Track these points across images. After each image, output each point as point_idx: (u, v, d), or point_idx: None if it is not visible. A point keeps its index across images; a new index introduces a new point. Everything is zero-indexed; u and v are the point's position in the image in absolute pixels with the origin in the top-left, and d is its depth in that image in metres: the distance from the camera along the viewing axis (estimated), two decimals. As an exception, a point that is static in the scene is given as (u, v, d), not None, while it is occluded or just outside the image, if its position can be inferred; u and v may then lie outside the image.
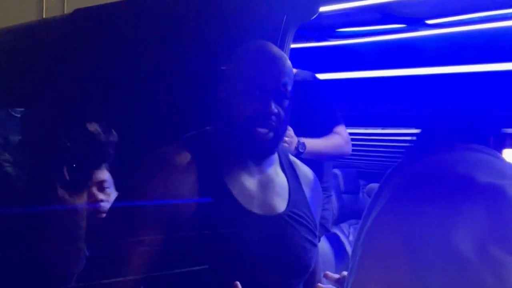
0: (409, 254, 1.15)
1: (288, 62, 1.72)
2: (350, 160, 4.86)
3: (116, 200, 1.89)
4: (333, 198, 4.35)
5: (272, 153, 1.75)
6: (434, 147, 1.36)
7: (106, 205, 2.12)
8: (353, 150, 4.25)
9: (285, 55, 1.76)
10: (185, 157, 1.64)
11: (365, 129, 4.42)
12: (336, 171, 4.54)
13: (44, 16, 5.08)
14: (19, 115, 3.58)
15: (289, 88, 1.67)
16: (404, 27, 2.98)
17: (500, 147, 1.44)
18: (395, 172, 1.43)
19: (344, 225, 4.47)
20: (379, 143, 4.33)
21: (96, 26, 3.21)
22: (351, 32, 3.09)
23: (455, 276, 1.07)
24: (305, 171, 1.91)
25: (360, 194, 4.97)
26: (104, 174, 2.26)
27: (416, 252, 1.14)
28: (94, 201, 2.11)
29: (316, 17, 2.37)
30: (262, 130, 1.63)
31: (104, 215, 2.04)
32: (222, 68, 1.88)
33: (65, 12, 5.00)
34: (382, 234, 1.26)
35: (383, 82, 3.45)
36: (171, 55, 2.71)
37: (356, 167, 4.89)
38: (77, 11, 3.53)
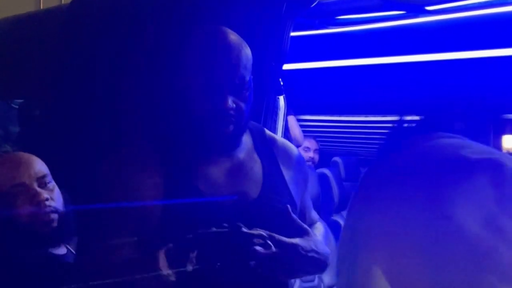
0: (418, 241, 1.14)
1: (246, 50, 1.66)
2: (350, 147, 4.92)
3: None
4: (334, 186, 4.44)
5: (237, 146, 1.71)
6: (412, 139, 1.36)
7: (52, 204, 1.88)
8: (353, 137, 4.30)
9: (242, 42, 1.68)
10: (152, 155, 1.63)
11: (365, 116, 4.45)
12: (337, 158, 4.60)
13: (41, 7, 5.08)
14: (17, 107, 3.60)
15: (247, 78, 1.62)
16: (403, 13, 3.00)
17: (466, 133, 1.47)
18: (377, 168, 1.42)
19: (345, 213, 4.50)
20: (379, 131, 4.35)
21: (94, 17, 3.18)
22: (350, 19, 3.09)
23: (468, 255, 1.07)
24: (286, 149, 1.86)
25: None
26: (41, 166, 1.98)
27: (424, 237, 1.14)
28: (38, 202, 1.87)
29: (316, 4, 2.35)
30: (223, 127, 1.59)
31: (54, 216, 1.88)
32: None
33: (62, 2, 5.01)
34: (387, 228, 1.26)
35: (381, 69, 3.46)
36: (169, 45, 2.66)
37: (357, 155, 4.93)
38: (74, 1, 3.55)
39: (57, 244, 1.92)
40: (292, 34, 2.35)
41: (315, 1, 2.35)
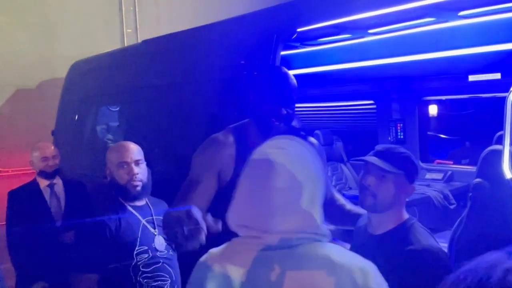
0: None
1: (292, 78, 1.75)
2: (326, 123, 4.69)
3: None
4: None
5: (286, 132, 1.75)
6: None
7: (140, 177, 1.97)
8: (327, 117, 4.22)
9: (290, 74, 1.77)
10: (229, 138, 1.74)
11: (335, 103, 4.33)
12: (318, 131, 4.29)
13: (125, 45, 5.21)
14: (114, 110, 3.87)
15: (295, 96, 1.75)
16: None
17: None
18: None
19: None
20: (344, 112, 4.36)
21: (158, 53, 3.33)
22: (318, 42, 3.00)
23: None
24: (311, 142, 1.88)
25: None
26: (139, 152, 2.05)
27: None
28: (132, 174, 1.95)
29: (296, 34, 2.44)
30: (277, 124, 1.71)
31: (139, 183, 1.97)
32: (255, 73, 1.98)
33: (138, 41, 5.10)
34: None
35: (341, 73, 3.40)
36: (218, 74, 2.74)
37: (330, 128, 4.44)
38: (144, 42, 3.78)
39: (140, 199, 2.00)
40: (282, 52, 2.43)
41: (295, 34, 2.45)
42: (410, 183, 1.46)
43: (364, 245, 1.45)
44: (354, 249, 1.31)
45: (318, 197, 1.05)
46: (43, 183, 2.86)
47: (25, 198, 2.79)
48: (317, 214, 1.03)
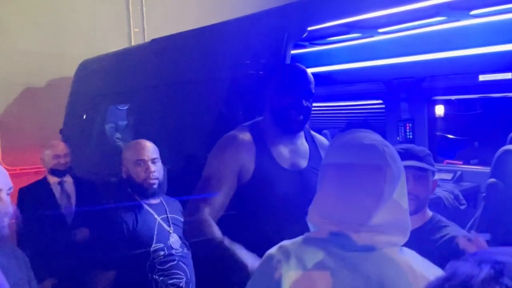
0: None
1: (310, 75, 1.79)
2: (334, 123, 4.73)
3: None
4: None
5: (301, 130, 1.80)
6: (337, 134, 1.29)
7: (156, 175, 1.99)
8: (335, 117, 4.24)
9: (308, 71, 1.79)
10: (247, 135, 1.73)
11: (343, 102, 4.39)
12: (326, 131, 4.28)
13: (132, 44, 5.21)
14: (122, 109, 3.87)
15: (313, 90, 1.77)
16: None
17: None
18: None
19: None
20: (350, 112, 4.40)
21: (168, 52, 3.33)
22: (328, 41, 3.00)
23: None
24: (322, 140, 1.92)
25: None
26: (154, 151, 2.09)
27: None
28: (149, 172, 1.98)
29: (306, 34, 2.42)
30: (298, 116, 1.72)
31: (156, 181, 1.99)
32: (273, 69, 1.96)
33: (146, 40, 5.12)
34: None
35: (350, 73, 3.41)
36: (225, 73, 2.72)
37: (338, 128, 4.50)
38: (153, 40, 3.78)
39: (156, 197, 2.02)
40: (292, 52, 2.43)
41: (306, 32, 2.44)
42: (433, 177, 1.50)
43: None
44: None
45: (405, 194, 1.01)
46: (53, 180, 2.87)
47: (35, 195, 2.81)
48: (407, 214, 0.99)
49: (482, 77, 3.04)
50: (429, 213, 1.49)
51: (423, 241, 1.37)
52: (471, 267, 0.59)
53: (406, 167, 1.39)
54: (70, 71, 4.34)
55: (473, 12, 2.38)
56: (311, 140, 1.88)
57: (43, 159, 2.89)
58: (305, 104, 1.73)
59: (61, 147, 2.91)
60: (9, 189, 1.38)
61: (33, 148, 3.09)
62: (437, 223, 1.45)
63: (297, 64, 1.86)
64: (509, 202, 1.97)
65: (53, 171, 2.87)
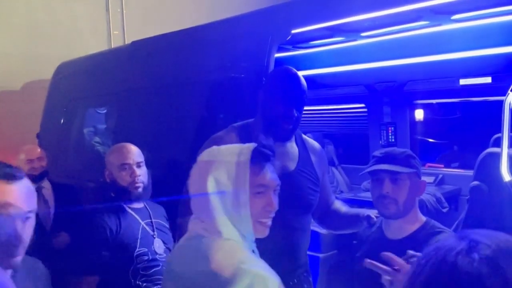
0: None
1: (303, 80, 1.76)
2: (318, 126, 4.63)
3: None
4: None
5: (289, 138, 1.81)
6: None
7: (141, 178, 1.95)
8: (319, 120, 4.24)
9: (301, 76, 1.77)
10: (234, 137, 1.73)
11: (326, 106, 4.26)
12: (309, 135, 4.28)
13: (112, 46, 5.14)
14: (102, 112, 3.80)
15: (305, 98, 1.76)
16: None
17: None
18: None
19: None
20: (335, 116, 4.36)
21: (148, 55, 3.28)
22: (311, 45, 2.99)
23: None
24: (313, 144, 1.93)
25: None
26: (139, 154, 2.03)
27: None
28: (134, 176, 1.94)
29: (290, 37, 2.43)
30: (287, 126, 1.73)
31: (141, 185, 1.95)
32: (263, 79, 1.96)
33: (126, 42, 5.07)
34: None
35: (333, 76, 3.39)
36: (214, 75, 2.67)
37: (321, 131, 4.36)
38: (133, 43, 3.71)
39: (140, 201, 1.99)
40: (276, 55, 2.43)
41: (290, 35, 2.44)
42: (420, 179, 1.48)
43: (385, 251, 1.43)
44: (371, 256, 1.27)
45: None
46: (30, 186, 2.78)
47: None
48: None
49: (462, 81, 3.08)
50: (422, 218, 1.47)
51: (418, 249, 1.37)
52: (454, 241, 0.68)
53: (381, 171, 1.42)
54: (47, 73, 4.24)
55: (455, 17, 2.41)
56: (301, 144, 1.88)
57: (18, 165, 2.80)
58: (295, 114, 1.72)
59: (34, 152, 2.83)
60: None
61: (9, 153, 2.98)
62: (431, 228, 1.43)
63: (291, 69, 1.83)
64: (492, 204, 1.99)
65: (29, 176, 2.77)
